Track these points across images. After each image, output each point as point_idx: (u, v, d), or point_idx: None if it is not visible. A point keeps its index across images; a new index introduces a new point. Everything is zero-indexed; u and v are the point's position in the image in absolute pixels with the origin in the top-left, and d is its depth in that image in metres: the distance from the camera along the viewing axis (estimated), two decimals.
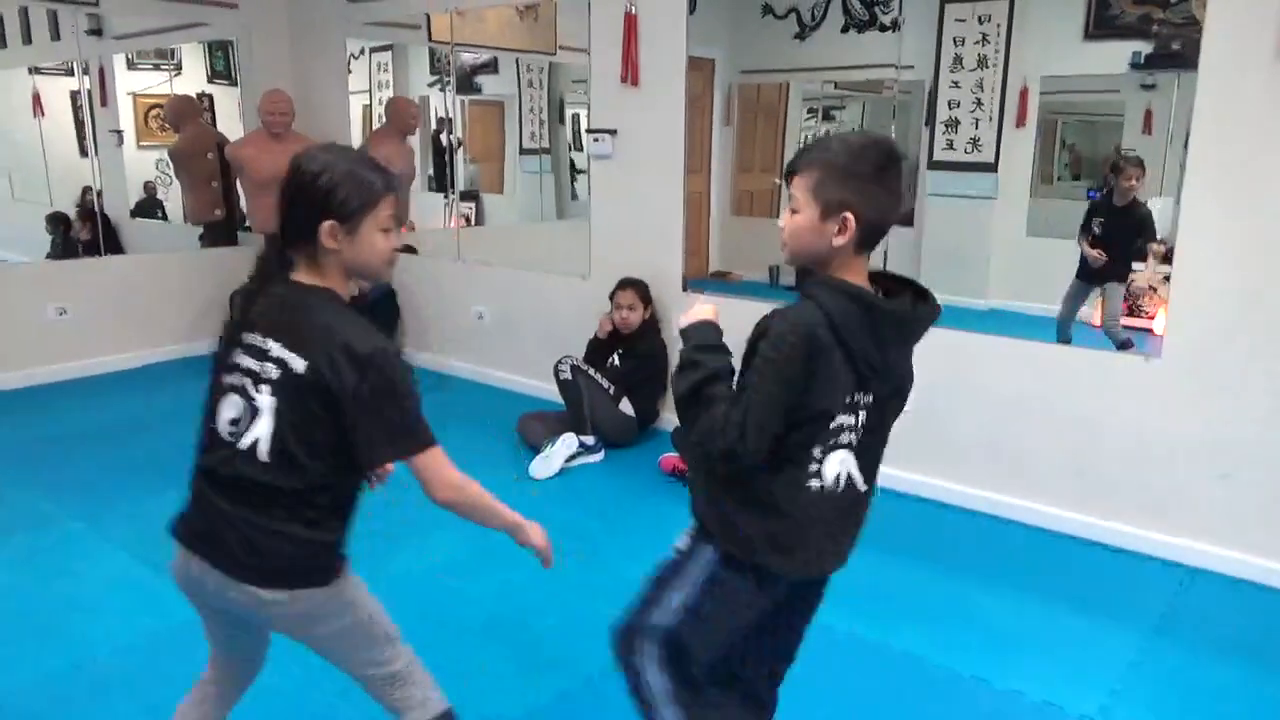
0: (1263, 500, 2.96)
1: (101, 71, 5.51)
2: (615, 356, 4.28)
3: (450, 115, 5.76)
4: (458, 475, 1.55)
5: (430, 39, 5.65)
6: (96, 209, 5.44)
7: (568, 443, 3.90)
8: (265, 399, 1.46)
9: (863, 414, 1.55)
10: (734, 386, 1.53)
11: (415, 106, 5.85)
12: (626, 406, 4.15)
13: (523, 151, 6.36)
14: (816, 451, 1.53)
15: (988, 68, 4.81)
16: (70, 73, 5.39)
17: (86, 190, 5.53)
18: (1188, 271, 3.02)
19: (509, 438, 4.21)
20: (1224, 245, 2.93)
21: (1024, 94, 4.77)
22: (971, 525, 3.44)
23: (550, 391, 4.21)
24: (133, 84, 5.86)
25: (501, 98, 6.32)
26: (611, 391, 4.12)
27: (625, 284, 4.22)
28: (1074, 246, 4.29)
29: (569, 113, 6.07)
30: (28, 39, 5.54)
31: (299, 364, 1.44)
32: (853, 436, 1.56)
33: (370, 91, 6.32)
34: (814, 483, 1.55)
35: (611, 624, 1.73)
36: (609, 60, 4.29)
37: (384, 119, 5.88)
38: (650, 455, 3.99)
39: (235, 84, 6.09)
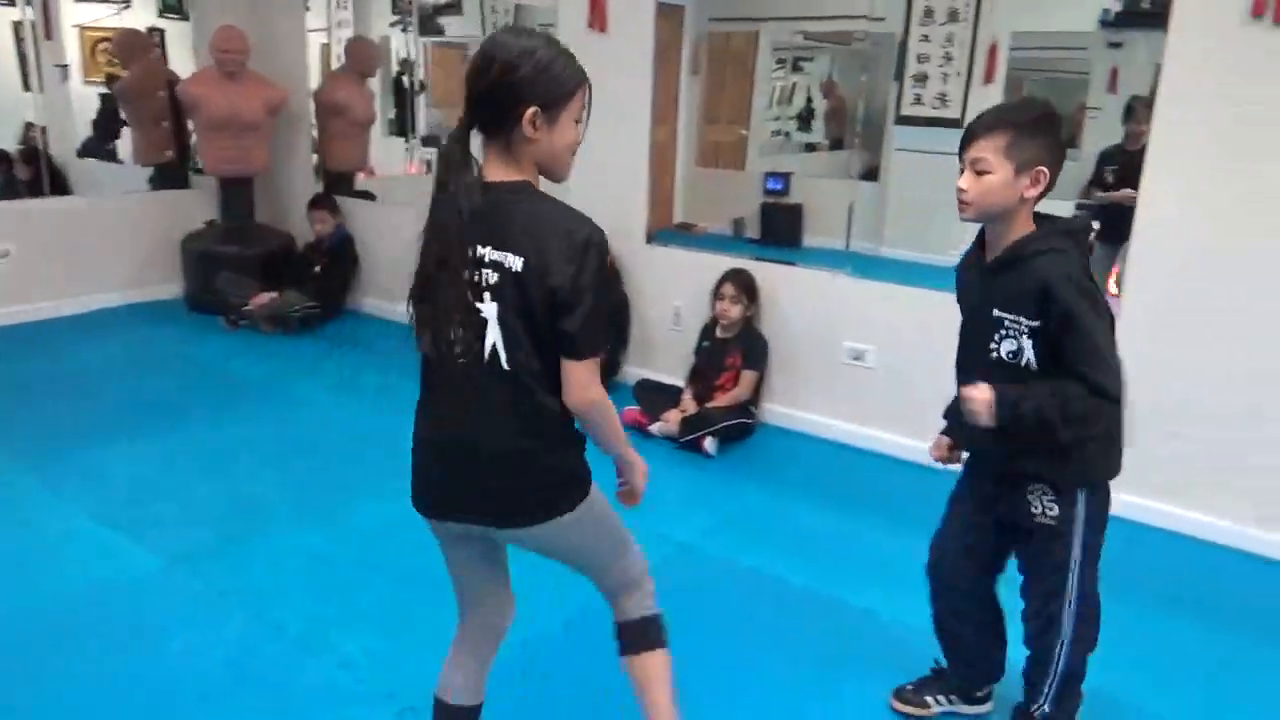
0: (1211, 459, 3.02)
1: (45, 1, 5.26)
2: None
3: (413, 58, 5.60)
4: (602, 389, 1.50)
5: None
6: (40, 147, 5.23)
7: None
8: (488, 306, 1.42)
9: None
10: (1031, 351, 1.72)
11: (375, 48, 5.68)
12: None
13: None
14: None
15: (959, 22, 4.77)
16: (12, 2, 5.13)
17: (29, 127, 5.31)
18: (1148, 232, 3.04)
19: None
20: (1186, 207, 2.95)
21: (993, 49, 4.74)
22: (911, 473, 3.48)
23: None
24: (79, 16, 5.60)
25: (467, 40, 6.15)
26: None
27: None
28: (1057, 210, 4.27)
29: None
30: None
31: (516, 262, 1.41)
32: None
33: (329, 30, 6.12)
34: None
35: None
36: (576, 4, 4.18)
37: (343, 60, 5.70)
38: None
39: (187, 19, 5.85)
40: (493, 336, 1.43)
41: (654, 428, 3.76)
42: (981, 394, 1.70)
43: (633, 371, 4.31)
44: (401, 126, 6.00)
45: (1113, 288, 3.65)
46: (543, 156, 1.47)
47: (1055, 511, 1.81)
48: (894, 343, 3.61)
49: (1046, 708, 1.94)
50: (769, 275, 3.90)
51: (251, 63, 5.12)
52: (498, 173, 1.46)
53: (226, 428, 3.75)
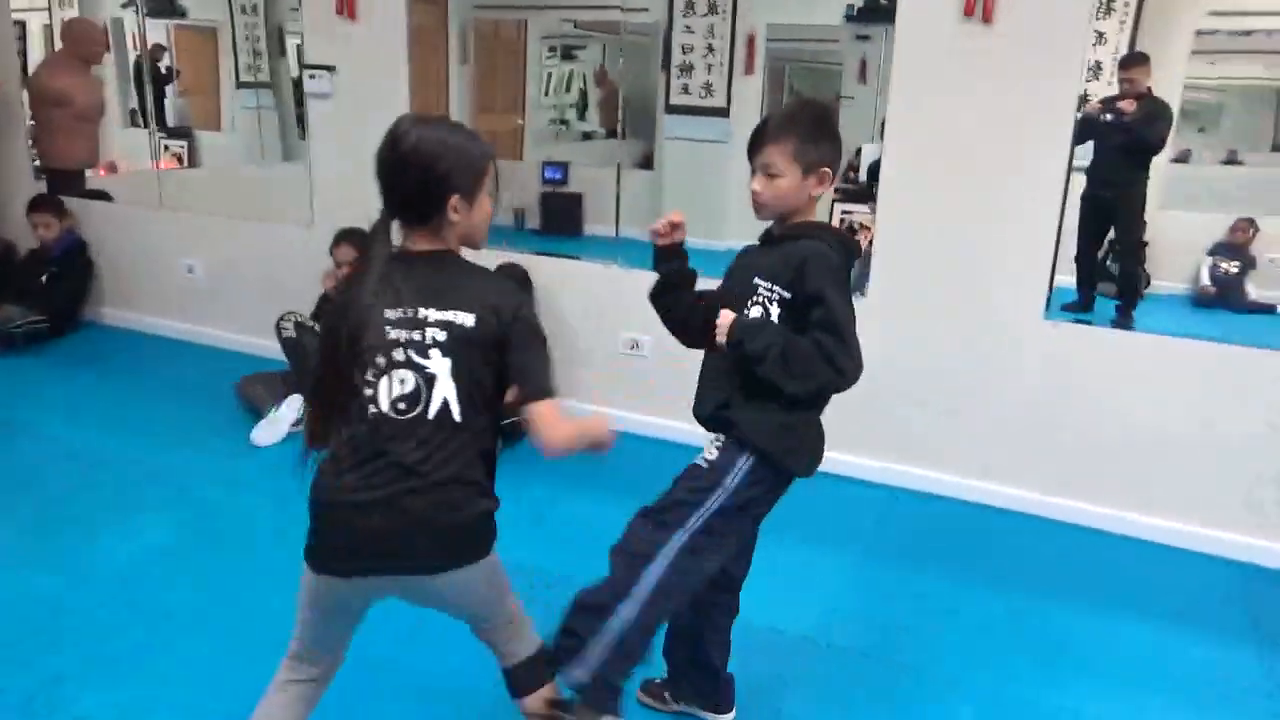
0: (956, 426, 3.28)
1: None
2: None
3: (164, 43, 5.11)
4: (570, 425, 1.55)
5: None
6: None
7: (294, 405, 3.62)
8: (438, 362, 1.49)
9: None
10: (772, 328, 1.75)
11: (98, 29, 5.12)
12: None
13: (239, 85, 5.76)
14: None
15: (718, 14, 4.91)
16: None
17: None
18: (888, 213, 3.24)
19: (227, 403, 3.86)
20: (919, 188, 3.17)
21: (751, 41, 4.92)
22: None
23: (276, 351, 3.88)
24: None
25: (214, 23, 5.69)
26: None
27: (341, 237, 3.87)
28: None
29: (290, 43, 5.54)
30: None
31: (468, 319, 1.50)
32: None
33: (49, 9, 5.49)
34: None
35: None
36: None
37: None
38: None
39: None
40: (443, 391, 1.50)
41: None
42: (725, 318, 1.77)
43: None
44: (146, 117, 5.46)
45: None
46: (465, 232, 1.59)
47: (714, 457, 1.80)
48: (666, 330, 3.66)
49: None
50: (544, 269, 3.86)
51: None
52: (423, 244, 1.57)
53: None
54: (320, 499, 1.54)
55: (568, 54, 6.18)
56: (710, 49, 4.97)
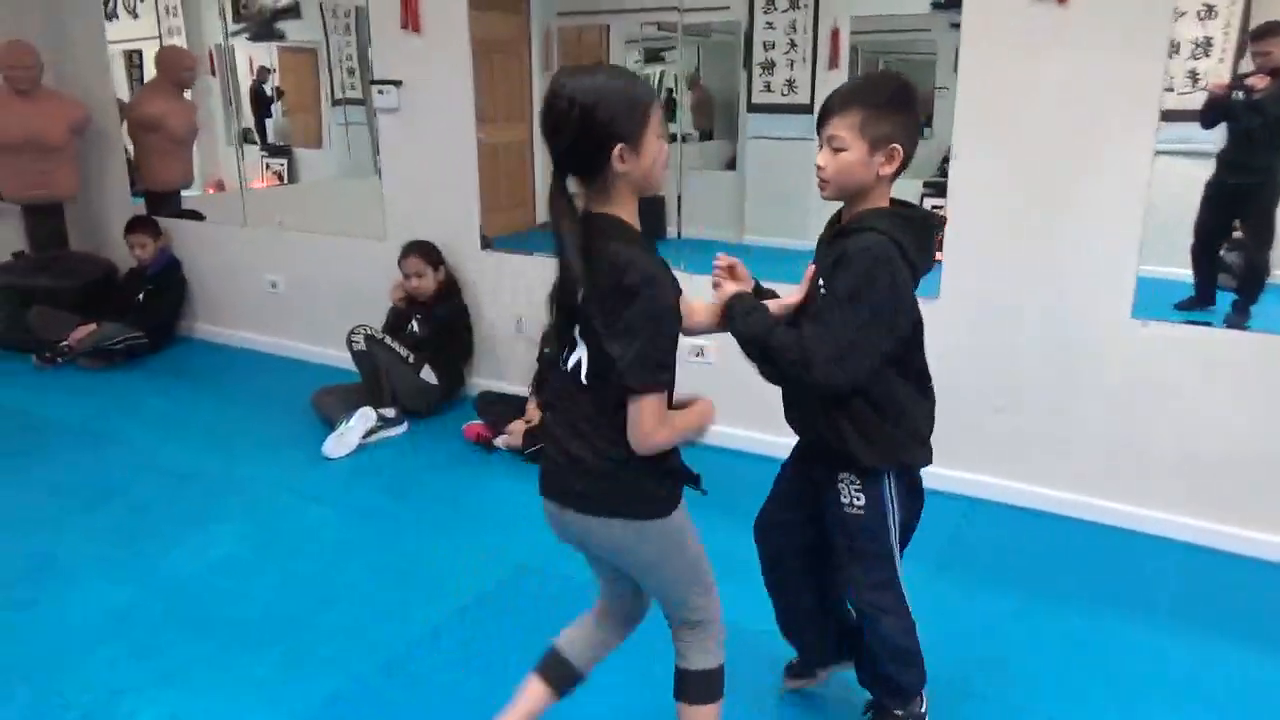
0: (1037, 430, 3.06)
1: None
2: (414, 323, 4.06)
3: (269, 65, 5.29)
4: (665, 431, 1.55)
5: None
6: None
7: (365, 417, 3.68)
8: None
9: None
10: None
11: (189, 56, 5.34)
12: (429, 374, 3.95)
13: (335, 102, 5.94)
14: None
15: (799, 8, 4.77)
16: None
17: None
18: (960, 208, 3.05)
19: (304, 414, 3.95)
20: (990, 182, 2.98)
21: (835, 34, 4.76)
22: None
23: (350, 363, 3.97)
24: None
25: (313, 43, 5.87)
26: (411, 360, 3.91)
27: (409, 250, 3.98)
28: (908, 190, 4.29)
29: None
30: None
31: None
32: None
33: (160, 38, 5.77)
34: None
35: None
36: (388, 3, 3.99)
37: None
38: (455, 424, 3.82)
39: None
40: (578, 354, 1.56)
41: (498, 441, 3.62)
42: (724, 293, 1.78)
43: (477, 384, 4.16)
44: (261, 137, 5.69)
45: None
46: (636, 181, 1.54)
47: (862, 501, 1.82)
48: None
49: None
50: None
51: (49, 78, 4.75)
52: (595, 205, 1.54)
53: (24, 476, 3.44)
54: None
55: (653, 56, 6.12)
56: (792, 44, 4.83)
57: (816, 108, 1.72)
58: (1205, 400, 2.80)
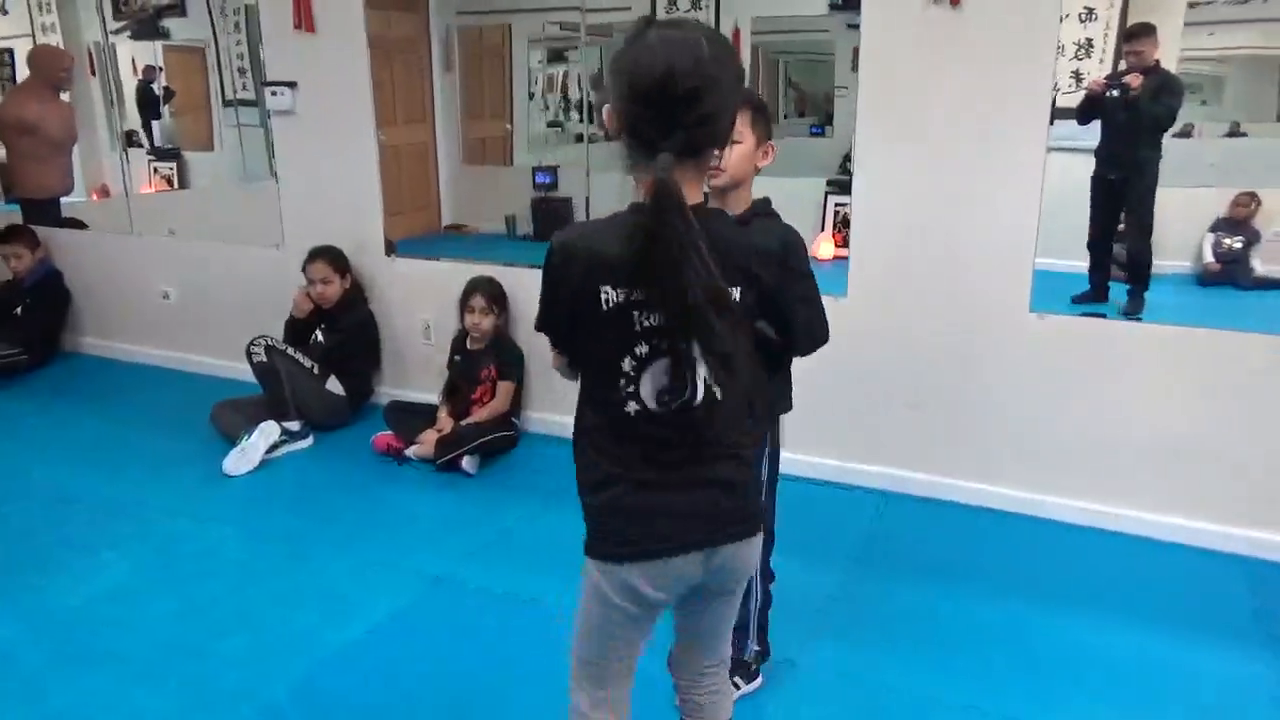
0: (943, 422, 3.13)
1: None
2: (319, 331, 3.92)
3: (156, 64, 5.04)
4: None
5: None
6: None
7: (267, 432, 3.53)
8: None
9: None
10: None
11: (64, 56, 5.05)
12: (335, 385, 3.82)
13: (226, 103, 5.70)
14: None
15: (700, 9, 4.79)
16: None
17: None
18: (863, 207, 3.10)
19: (201, 431, 3.78)
20: (892, 180, 3.02)
21: (736, 34, 4.79)
22: None
23: (250, 375, 3.80)
24: None
25: (200, 43, 5.62)
26: (316, 370, 3.78)
27: (314, 255, 3.85)
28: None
29: None
30: None
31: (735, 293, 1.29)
32: None
33: (33, 36, 5.45)
34: None
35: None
36: (279, 2, 3.84)
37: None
38: (364, 435, 3.70)
39: None
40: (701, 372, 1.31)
41: (410, 451, 3.52)
42: None
43: (385, 393, 4.05)
44: (149, 139, 5.42)
45: None
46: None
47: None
48: None
49: (755, 646, 2.19)
50: (519, 280, 3.72)
51: None
52: (693, 195, 1.28)
53: None
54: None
55: (556, 56, 6.06)
56: None
57: None
58: (1103, 390, 2.90)
